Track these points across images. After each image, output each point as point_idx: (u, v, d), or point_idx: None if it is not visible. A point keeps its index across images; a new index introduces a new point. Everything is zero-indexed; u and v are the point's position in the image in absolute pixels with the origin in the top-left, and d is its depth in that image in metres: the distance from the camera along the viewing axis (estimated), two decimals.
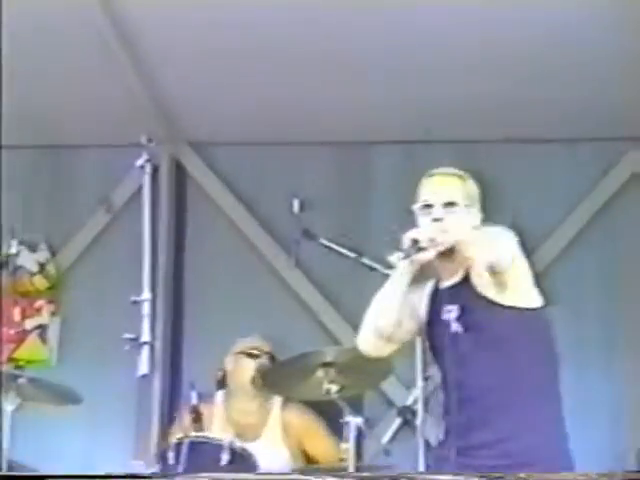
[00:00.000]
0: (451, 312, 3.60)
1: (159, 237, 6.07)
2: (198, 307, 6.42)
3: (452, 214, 3.62)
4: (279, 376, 5.11)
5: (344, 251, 5.49)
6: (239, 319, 6.09)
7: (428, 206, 3.63)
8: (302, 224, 5.72)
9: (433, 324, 3.68)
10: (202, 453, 4.76)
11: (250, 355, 5.30)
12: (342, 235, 5.95)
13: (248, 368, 5.26)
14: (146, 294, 4.31)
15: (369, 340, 3.74)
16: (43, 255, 6.66)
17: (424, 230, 3.55)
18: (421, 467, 5.18)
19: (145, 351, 4.19)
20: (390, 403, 6.25)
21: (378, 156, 6.81)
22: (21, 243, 6.47)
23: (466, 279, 3.61)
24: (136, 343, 4.21)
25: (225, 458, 4.68)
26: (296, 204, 5.72)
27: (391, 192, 6.53)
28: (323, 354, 4.85)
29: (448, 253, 3.53)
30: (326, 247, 5.58)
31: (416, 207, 3.68)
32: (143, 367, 4.25)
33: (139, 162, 4.59)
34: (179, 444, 4.70)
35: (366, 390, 5.57)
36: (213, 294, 6.54)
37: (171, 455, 4.65)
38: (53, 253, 6.70)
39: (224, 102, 6.48)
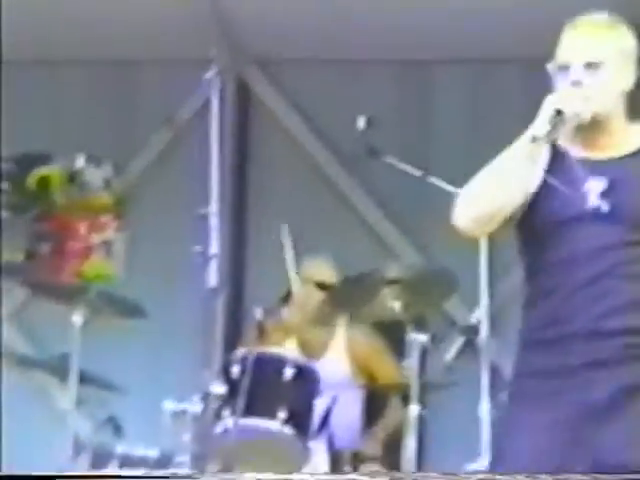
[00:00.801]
0: (593, 188, 2.99)
1: (224, 153, 6.13)
2: (262, 223, 6.47)
3: (596, 76, 3.02)
4: (344, 294, 5.16)
5: (409, 169, 5.53)
6: (302, 237, 5.95)
7: (566, 67, 3.04)
8: (367, 142, 5.71)
9: (549, 203, 3.02)
10: (266, 367, 4.85)
11: (316, 284, 5.29)
12: (407, 153, 5.92)
13: (314, 292, 5.26)
14: (213, 207, 4.39)
15: (470, 216, 3.09)
16: (108, 171, 6.71)
17: (564, 96, 2.97)
18: (484, 386, 5.27)
19: (213, 264, 4.27)
20: (453, 322, 6.26)
21: (443, 74, 6.81)
22: (87, 160, 6.53)
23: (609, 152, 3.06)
24: (204, 256, 4.30)
25: (289, 373, 4.78)
26: (361, 121, 5.63)
27: (456, 111, 6.57)
28: (387, 271, 4.89)
29: (589, 125, 3.01)
30: (391, 165, 5.62)
31: (553, 66, 3.09)
32: (212, 280, 4.34)
33: (208, 75, 4.67)
34: (244, 358, 4.78)
35: (430, 308, 5.57)
36: (276, 211, 6.50)
37: (236, 369, 4.72)
38: (118, 169, 6.72)
39: (289, 19, 6.39)
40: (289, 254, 5.36)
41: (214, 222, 4.35)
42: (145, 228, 6.69)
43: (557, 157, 3.03)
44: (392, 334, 5.24)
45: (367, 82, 6.80)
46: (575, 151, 3.02)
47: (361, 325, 5.38)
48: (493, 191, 2.99)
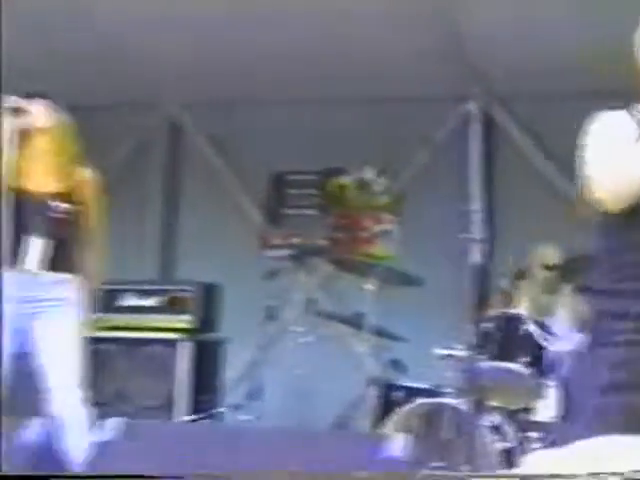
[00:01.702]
0: None
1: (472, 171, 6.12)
2: (508, 223, 6.40)
3: None
4: (570, 269, 5.15)
5: None
6: (537, 228, 6.12)
7: None
8: None
9: None
10: (510, 324, 4.92)
11: (545, 265, 5.39)
12: None
13: (543, 270, 5.37)
14: (474, 205, 4.65)
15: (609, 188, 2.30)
16: (387, 180, 6.83)
17: None
18: None
19: (477, 246, 4.50)
20: None
21: None
22: (373, 172, 6.75)
23: None
24: (468, 241, 4.50)
25: (527, 328, 4.83)
26: None
27: None
28: None
29: None
30: None
31: None
32: (475, 258, 4.53)
33: (461, 108, 4.77)
34: (493, 317, 4.95)
35: None
36: (518, 214, 6.48)
37: (488, 324, 4.85)
38: (394, 179, 6.84)
39: (526, 55, 6.06)
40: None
41: (475, 216, 4.50)
42: (415, 221, 6.68)
43: None
44: None
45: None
46: None
47: (581, 292, 5.21)
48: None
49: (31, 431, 4.18)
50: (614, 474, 1.94)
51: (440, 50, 6.22)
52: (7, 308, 4.36)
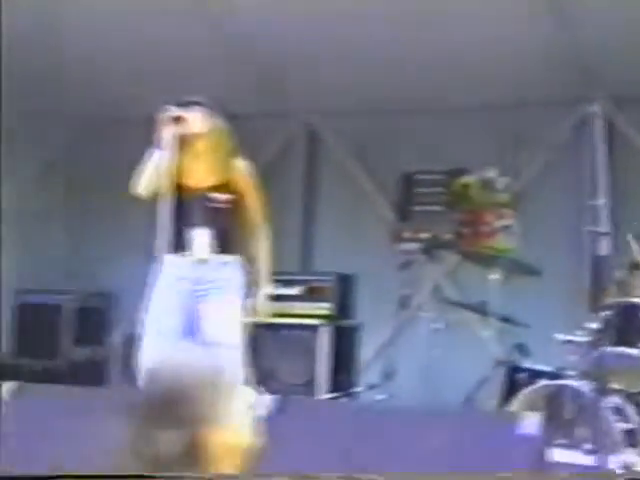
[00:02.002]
0: None
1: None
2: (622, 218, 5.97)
3: None
4: None
5: None
6: None
7: None
8: None
9: None
10: (627, 311, 4.80)
11: None
12: None
13: None
14: (600, 201, 4.56)
15: None
16: (507, 179, 6.73)
17: None
18: None
19: (604, 239, 4.45)
20: None
21: None
22: (494, 172, 6.64)
23: None
24: (596, 233, 4.45)
25: None
26: None
27: None
28: None
29: None
30: None
31: None
32: (603, 250, 4.47)
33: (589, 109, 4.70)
34: (612, 305, 4.79)
35: None
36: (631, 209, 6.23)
37: (607, 312, 4.70)
38: (514, 178, 6.72)
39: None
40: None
41: (602, 210, 4.43)
42: (533, 216, 6.62)
43: None
44: None
45: None
46: None
47: None
48: None
49: None
50: None
51: (559, 55, 6.11)
52: (174, 290, 4.53)
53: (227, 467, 1.72)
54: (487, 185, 6.62)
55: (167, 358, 1.88)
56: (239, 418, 1.73)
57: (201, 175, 4.59)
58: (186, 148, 4.52)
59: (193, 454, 1.68)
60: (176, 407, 1.70)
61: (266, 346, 6.08)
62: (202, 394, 1.72)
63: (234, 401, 1.73)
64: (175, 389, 1.72)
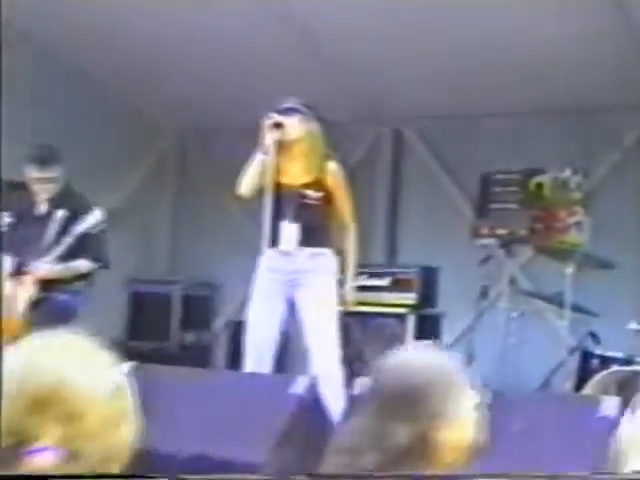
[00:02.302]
0: None
1: None
2: None
3: None
4: None
5: None
6: None
7: None
8: None
9: None
10: None
11: None
12: None
13: None
14: None
15: None
16: (579, 178, 6.63)
17: None
18: None
19: None
20: None
21: None
22: (569, 171, 6.57)
23: None
24: None
25: None
26: None
27: None
28: None
29: None
30: None
31: None
32: None
33: None
34: None
35: None
36: None
37: None
38: (586, 177, 6.64)
39: None
40: None
41: None
42: (600, 214, 6.56)
43: None
44: None
45: None
46: None
47: None
48: None
49: (299, 386, 4.39)
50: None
51: (626, 61, 5.99)
52: (271, 281, 4.60)
53: (451, 463, 1.68)
54: (560, 184, 6.53)
55: (403, 356, 1.85)
56: (467, 416, 1.71)
57: (296, 173, 4.65)
58: (284, 150, 4.59)
59: (421, 449, 1.66)
60: (411, 403, 1.67)
61: (355, 333, 6.12)
62: (436, 392, 1.69)
63: (463, 400, 1.72)
64: (411, 385, 1.69)
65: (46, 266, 5.03)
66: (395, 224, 7.69)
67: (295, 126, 4.59)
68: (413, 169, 7.66)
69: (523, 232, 6.48)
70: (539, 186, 6.55)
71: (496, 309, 6.28)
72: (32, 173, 5.17)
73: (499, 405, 3.76)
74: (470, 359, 5.86)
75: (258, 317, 4.63)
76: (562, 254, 5.78)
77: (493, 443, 3.33)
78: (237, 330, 5.42)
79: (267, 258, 4.63)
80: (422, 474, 1.59)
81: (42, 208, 5.24)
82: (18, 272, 5.15)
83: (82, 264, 5.15)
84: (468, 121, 7.12)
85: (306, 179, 4.65)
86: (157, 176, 8.32)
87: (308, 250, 4.60)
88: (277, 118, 4.56)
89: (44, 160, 5.18)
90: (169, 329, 7.52)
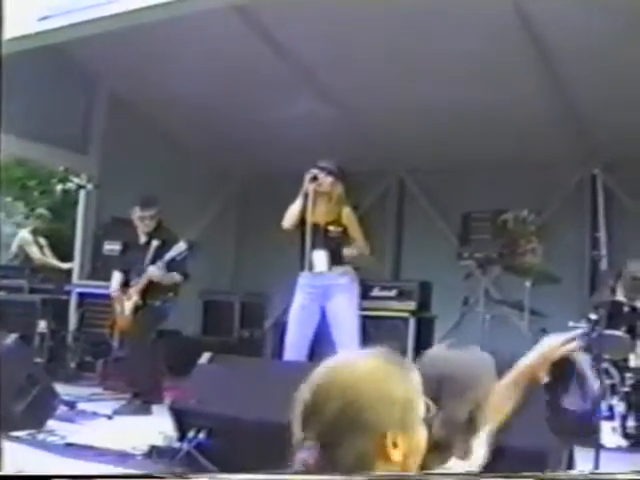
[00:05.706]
0: None
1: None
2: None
3: None
4: None
5: None
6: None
7: None
8: None
9: None
10: (614, 305, 4.65)
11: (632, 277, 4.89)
12: None
13: (631, 280, 4.88)
14: (601, 232, 4.02)
15: None
16: (532, 216, 6.26)
17: None
18: None
19: (602, 259, 4.11)
20: None
21: None
22: (525, 212, 6.30)
23: None
24: (597, 255, 4.08)
25: (626, 309, 4.61)
26: None
27: None
28: None
29: None
30: None
31: None
32: (602, 266, 4.14)
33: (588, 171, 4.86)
34: (605, 303, 4.48)
35: None
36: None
37: (601, 307, 4.27)
38: (538, 215, 6.37)
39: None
40: None
41: (601, 240, 4.06)
42: (550, 242, 6.38)
43: None
44: None
45: None
46: None
47: None
48: None
49: None
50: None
51: (559, 120, 6.15)
52: (307, 295, 4.79)
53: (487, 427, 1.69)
54: (519, 221, 6.34)
55: (436, 351, 1.85)
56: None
57: (322, 215, 4.89)
58: (316, 197, 4.84)
59: (471, 422, 1.66)
60: (461, 386, 1.67)
61: (371, 331, 6.11)
62: (481, 379, 1.72)
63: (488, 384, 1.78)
64: (463, 372, 1.72)
65: (157, 270, 5.34)
66: (400, 250, 7.95)
67: (327, 182, 4.86)
68: (413, 209, 7.93)
69: (494, 256, 6.35)
70: (504, 222, 6.42)
71: (475, 313, 6.42)
72: (137, 213, 5.51)
73: None
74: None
75: (295, 320, 4.80)
76: (523, 272, 5.96)
77: None
78: (281, 329, 5.56)
79: (303, 276, 4.86)
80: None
81: (143, 239, 5.55)
82: (126, 285, 5.55)
83: (175, 275, 5.45)
84: (453, 175, 7.43)
85: (329, 219, 4.90)
86: (225, 213, 8.47)
87: (334, 269, 4.82)
88: (315, 173, 4.81)
89: (145, 203, 5.49)
90: (232, 328, 7.72)
